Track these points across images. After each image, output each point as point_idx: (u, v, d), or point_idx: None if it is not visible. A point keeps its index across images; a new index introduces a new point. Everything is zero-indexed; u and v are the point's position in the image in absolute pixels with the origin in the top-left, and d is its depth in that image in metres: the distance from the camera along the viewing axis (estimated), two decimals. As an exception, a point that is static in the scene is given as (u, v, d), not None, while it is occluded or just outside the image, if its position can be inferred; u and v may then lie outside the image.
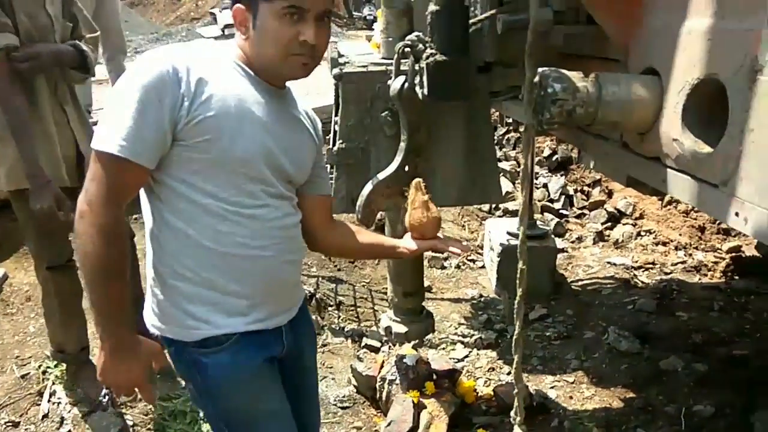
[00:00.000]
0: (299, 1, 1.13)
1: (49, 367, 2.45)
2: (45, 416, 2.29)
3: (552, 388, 2.63)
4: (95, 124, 4.39)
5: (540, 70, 1.54)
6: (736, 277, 3.58)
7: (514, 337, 1.51)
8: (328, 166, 2.03)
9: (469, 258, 4.06)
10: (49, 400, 2.34)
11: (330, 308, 3.24)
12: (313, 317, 3.11)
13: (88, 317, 2.45)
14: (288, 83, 1.32)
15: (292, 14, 1.13)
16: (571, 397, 2.57)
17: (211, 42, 1.31)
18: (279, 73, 1.22)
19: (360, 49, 2.61)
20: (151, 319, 1.27)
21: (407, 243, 1.53)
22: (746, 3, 1.19)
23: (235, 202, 1.19)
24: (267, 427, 1.32)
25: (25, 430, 2.24)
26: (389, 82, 1.81)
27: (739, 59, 1.22)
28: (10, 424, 2.25)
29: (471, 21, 1.85)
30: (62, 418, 2.27)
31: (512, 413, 1.57)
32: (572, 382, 2.66)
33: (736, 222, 1.27)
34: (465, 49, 1.69)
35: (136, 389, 1.23)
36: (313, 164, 1.36)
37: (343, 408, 2.51)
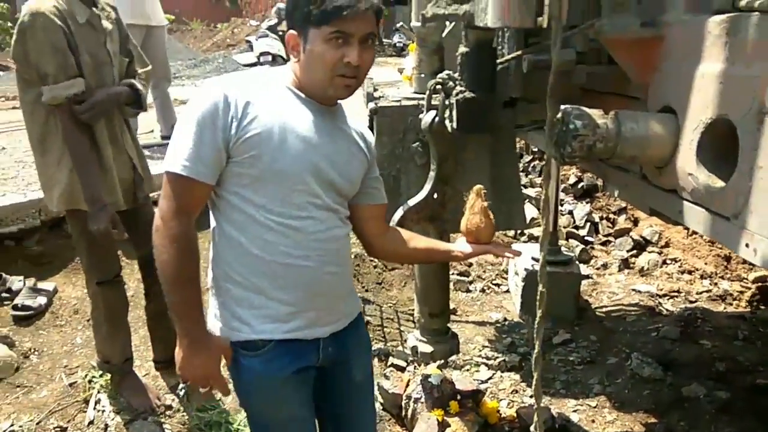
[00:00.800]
0: (344, 27, 1.24)
1: (94, 377, 2.60)
2: (90, 423, 2.43)
3: (574, 411, 2.68)
4: (143, 147, 4.63)
5: (562, 107, 1.65)
6: (762, 307, 3.58)
7: (534, 356, 1.60)
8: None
9: (493, 282, 4.14)
10: (94, 408, 2.48)
11: (358, 328, 3.34)
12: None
13: (133, 330, 2.61)
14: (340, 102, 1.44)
15: (338, 38, 1.25)
16: (593, 421, 2.61)
17: (266, 68, 1.45)
18: (325, 93, 1.33)
19: (391, 77, 2.74)
20: (209, 318, 1.40)
21: (461, 247, 1.62)
22: (754, 51, 1.29)
23: (280, 213, 1.30)
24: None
25: (73, 435, 2.39)
26: (421, 115, 1.94)
27: (748, 102, 1.32)
28: (59, 429, 2.40)
29: (498, 60, 1.98)
30: (106, 425, 2.41)
31: (532, 428, 1.66)
32: (594, 407, 2.70)
33: (746, 252, 1.36)
34: (492, 87, 1.82)
35: (211, 381, 1.36)
36: (366, 176, 1.47)
37: (370, 424, 2.60)
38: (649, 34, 1.64)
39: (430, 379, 2.55)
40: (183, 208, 1.27)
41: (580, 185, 4.72)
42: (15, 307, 2.96)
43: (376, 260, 4.16)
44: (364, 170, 1.47)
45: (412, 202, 1.94)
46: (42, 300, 3.02)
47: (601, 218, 4.59)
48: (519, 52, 1.90)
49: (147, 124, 5.19)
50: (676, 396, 2.69)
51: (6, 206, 3.32)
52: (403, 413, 2.60)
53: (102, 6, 2.24)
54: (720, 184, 1.44)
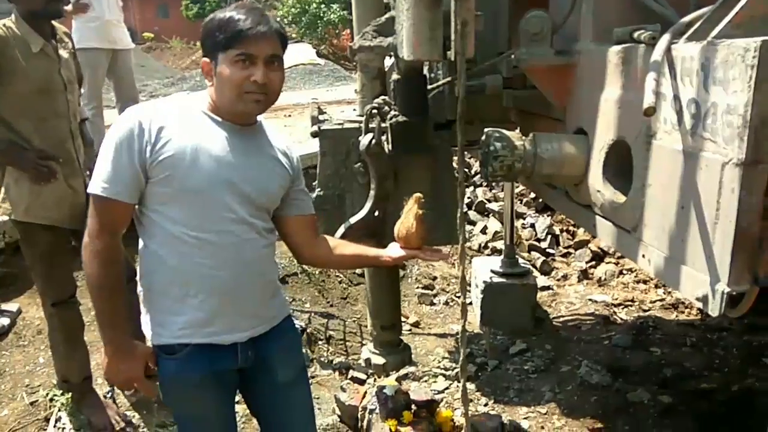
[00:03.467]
0: (248, 49, 1.36)
1: (56, 395, 2.64)
2: (51, 440, 2.48)
3: (525, 418, 2.77)
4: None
5: (486, 130, 1.78)
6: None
7: (459, 364, 1.72)
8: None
9: (457, 294, 4.24)
10: (55, 426, 2.52)
11: (320, 342, 3.42)
12: (303, 350, 3.30)
13: (91, 349, 2.66)
14: (266, 124, 1.56)
15: (243, 60, 1.36)
16: (542, 428, 2.71)
17: (185, 94, 1.54)
18: (237, 109, 1.43)
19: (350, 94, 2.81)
20: (143, 324, 1.52)
21: (390, 252, 1.71)
22: (641, 77, 1.42)
23: (195, 227, 1.40)
24: (191, 429, 1.55)
25: (32, 453, 2.43)
26: (360, 137, 2.05)
27: (638, 126, 1.45)
28: (19, 447, 2.45)
29: (433, 85, 2.10)
30: (66, 442, 2.46)
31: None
32: (545, 413, 2.80)
33: (643, 263, 1.48)
34: (423, 110, 1.94)
35: (136, 384, 1.48)
36: (291, 189, 1.57)
37: (326, 436, 2.67)
38: (563, 62, 1.78)
39: (384, 390, 2.63)
40: (106, 226, 1.39)
41: (540, 199, 4.86)
42: (-22, 329, 3.01)
43: (341, 275, 4.25)
44: (286, 184, 1.56)
45: (353, 219, 2.05)
46: (5, 321, 3.06)
47: (562, 230, 4.73)
48: (449, 78, 2.02)
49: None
50: (622, 401, 2.79)
51: (-30, 229, 3.37)
52: (360, 424, 2.68)
53: (60, 37, 2.34)
54: (622, 199, 1.57)
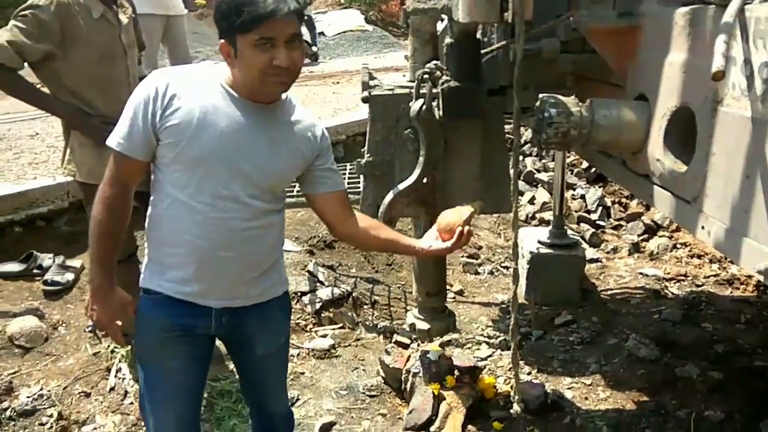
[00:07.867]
0: (267, 33, 1.34)
1: (116, 348, 2.80)
2: (112, 389, 2.63)
3: (569, 388, 2.77)
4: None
5: (540, 95, 1.74)
6: (769, 291, 3.59)
7: (510, 327, 1.73)
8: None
9: (502, 264, 4.22)
10: (115, 376, 2.68)
11: (365, 306, 3.48)
12: (349, 314, 3.37)
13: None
14: (294, 101, 1.58)
15: (264, 43, 1.35)
16: (586, 398, 2.70)
17: (212, 63, 1.55)
18: (261, 92, 1.45)
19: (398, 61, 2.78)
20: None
21: (423, 243, 1.70)
22: (710, 40, 1.36)
23: (188, 195, 1.46)
24: (150, 375, 1.62)
25: (95, 399, 2.59)
26: (410, 103, 2.03)
27: (704, 91, 1.39)
28: (83, 394, 2.61)
29: (487, 50, 2.06)
30: (126, 392, 2.61)
31: (512, 393, 1.79)
32: (589, 384, 2.78)
33: (702, 234, 1.44)
34: (476, 75, 1.90)
35: (105, 327, 1.57)
36: (315, 168, 1.59)
37: (370, 396, 2.74)
38: (626, 24, 1.71)
39: (428, 355, 2.67)
40: (117, 177, 1.49)
41: (592, 169, 4.74)
42: (45, 283, 3.17)
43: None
44: (302, 163, 1.57)
45: (402, 185, 2.05)
46: (70, 276, 3.23)
47: (613, 202, 4.61)
48: (505, 42, 1.98)
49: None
50: (670, 376, 2.75)
51: (37, 189, 3.53)
52: (403, 386, 2.73)
53: (121, 2, 2.39)
54: (683, 168, 1.51)
